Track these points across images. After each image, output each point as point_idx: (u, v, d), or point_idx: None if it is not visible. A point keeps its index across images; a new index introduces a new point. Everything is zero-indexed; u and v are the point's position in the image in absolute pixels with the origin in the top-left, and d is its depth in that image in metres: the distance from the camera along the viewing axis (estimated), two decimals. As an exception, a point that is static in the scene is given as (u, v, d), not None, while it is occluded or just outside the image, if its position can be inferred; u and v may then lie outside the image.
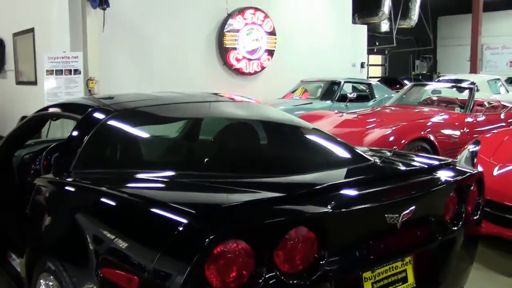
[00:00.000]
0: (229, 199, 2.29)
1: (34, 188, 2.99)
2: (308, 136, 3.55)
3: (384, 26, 22.12)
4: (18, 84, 11.10)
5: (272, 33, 12.16)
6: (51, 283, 2.60)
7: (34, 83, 10.12)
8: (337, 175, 2.74)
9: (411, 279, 2.54)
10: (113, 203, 2.43)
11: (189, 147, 3.58)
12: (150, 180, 2.65)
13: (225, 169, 2.85)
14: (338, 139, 3.35)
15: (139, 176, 2.72)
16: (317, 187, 2.39)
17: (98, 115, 3.08)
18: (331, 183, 2.43)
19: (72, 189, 2.75)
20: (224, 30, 11.36)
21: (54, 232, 2.68)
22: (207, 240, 1.87)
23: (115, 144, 3.07)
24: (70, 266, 2.44)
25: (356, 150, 3.14)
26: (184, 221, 1.99)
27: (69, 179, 2.79)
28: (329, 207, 2.17)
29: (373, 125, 7.17)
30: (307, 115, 8.31)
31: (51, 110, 3.57)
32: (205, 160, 3.16)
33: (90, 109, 3.13)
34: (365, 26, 16.10)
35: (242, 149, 3.15)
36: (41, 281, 2.70)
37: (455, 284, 2.86)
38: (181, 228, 1.98)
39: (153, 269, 1.96)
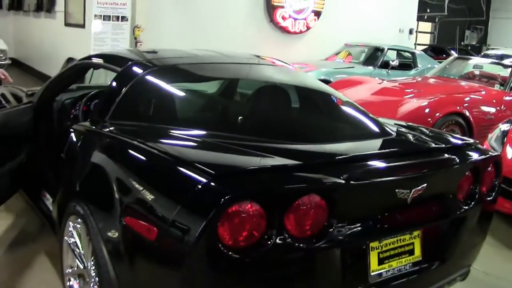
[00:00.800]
0: (249, 162, 2.42)
1: (70, 134, 3.18)
2: (336, 107, 3.66)
3: (436, -6, 21.63)
4: (67, 26, 11.31)
5: (321, -7, 12.08)
6: (78, 226, 2.81)
7: (82, 26, 10.31)
8: (356, 147, 2.85)
9: (417, 252, 2.65)
10: (142, 157, 2.58)
11: (221, 108, 3.72)
12: (179, 138, 2.79)
13: (253, 133, 2.99)
14: (365, 111, 3.43)
15: (170, 132, 2.84)
16: (333, 158, 2.51)
17: (137, 69, 3.22)
18: (348, 155, 2.55)
19: (105, 139, 2.92)
20: (273, -13, 11.32)
21: (85, 178, 2.86)
22: (223, 199, 2.02)
23: (150, 99, 3.22)
24: (96, 211, 2.62)
25: (380, 123, 3.23)
26: (205, 180, 2.14)
27: (104, 129, 2.96)
28: (343, 178, 2.28)
29: (411, 95, 7.16)
30: (347, 80, 8.35)
31: (94, 60, 3.74)
32: (236, 121, 3.31)
33: (129, 63, 3.28)
34: (418, -8, 15.80)
35: (271, 114, 3.28)
36: (70, 223, 2.90)
37: (463, 261, 2.96)
38: (200, 186, 2.13)
39: (172, 221, 2.12)
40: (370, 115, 3.36)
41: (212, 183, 2.12)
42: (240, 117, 3.36)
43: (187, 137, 2.80)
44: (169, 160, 2.43)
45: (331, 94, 3.71)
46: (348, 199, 2.36)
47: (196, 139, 2.81)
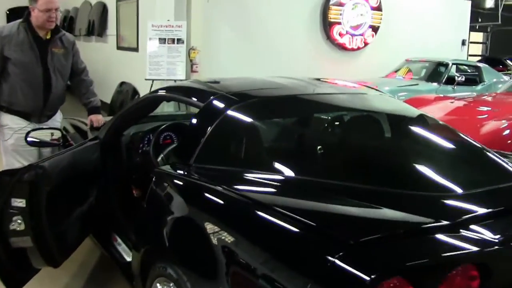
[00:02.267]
0: (384, 223, 2.01)
1: (152, 181, 2.82)
2: (448, 140, 3.10)
3: (489, 2, 20.88)
4: (119, 49, 11.15)
5: (378, 8, 11.57)
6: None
7: (135, 49, 10.10)
8: (499, 195, 2.39)
9: None
10: (252, 215, 2.18)
11: (325, 149, 3.11)
12: (287, 188, 2.40)
13: (370, 179, 2.48)
14: (481, 146, 2.96)
15: (273, 181, 2.46)
16: (481, 213, 2.06)
17: (223, 104, 2.86)
18: (499, 209, 2.10)
19: (197, 189, 2.54)
20: (330, 3, 10.89)
21: (177, 235, 2.48)
22: (369, 277, 1.62)
23: (241, 139, 2.83)
24: (194, 279, 2.25)
25: (505, 162, 2.77)
26: (341, 251, 1.74)
27: (192, 176, 2.59)
28: (500, 240, 1.85)
29: (486, 115, 6.63)
30: (415, 99, 7.86)
31: (166, 93, 3.37)
32: (348, 166, 2.74)
33: (212, 97, 2.91)
34: (469, 2, 15.17)
35: (387, 157, 2.84)
36: (158, 285, 2.54)
37: None
38: (337, 259, 1.72)
39: None
40: (489, 150, 2.91)
41: (351, 255, 1.72)
42: (346, 166, 2.79)
43: (295, 186, 2.40)
44: (289, 220, 2.00)
45: (437, 123, 3.25)
46: (506, 265, 1.91)
47: (306, 189, 2.39)
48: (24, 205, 2.95)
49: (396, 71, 10.98)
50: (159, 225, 2.59)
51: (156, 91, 3.43)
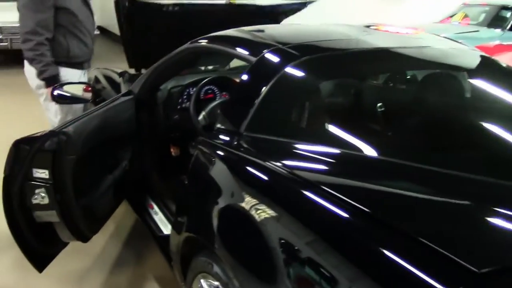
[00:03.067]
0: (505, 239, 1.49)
1: (194, 154, 2.37)
2: None
3: None
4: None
5: None
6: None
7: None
8: None
9: None
10: (331, 209, 1.63)
11: (411, 122, 2.47)
12: (370, 174, 1.88)
13: (469, 166, 1.92)
14: None
15: (354, 161, 1.96)
16: None
17: (279, 60, 2.36)
18: None
19: (254, 168, 2.01)
20: None
21: (226, 227, 1.99)
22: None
23: (304, 103, 2.32)
24: (247, 282, 1.81)
25: None
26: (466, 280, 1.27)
27: (246, 150, 2.12)
28: None
29: None
30: (482, 48, 7.16)
31: (209, 43, 2.87)
32: (445, 147, 2.15)
33: (266, 50, 2.42)
34: None
35: (487, 133, 2.27)
36: (202, 281, 2.12)
37: None
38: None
39: None
40: None
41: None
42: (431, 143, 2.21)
43: (379, 172, 1.89)
44: (375, 223, 1.52)
45: None
46: None
47: (396, 174, 1.87)
48: (47, 176, 2.55)
49: (451, 16, 10.21)
50: (204, 211, 2.13)
51: (197, 41, 2.94)
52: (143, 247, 3.58)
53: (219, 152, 2.20)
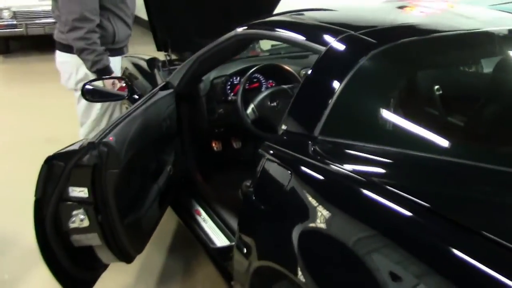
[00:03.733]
0: None
1: (260, 162, 1.99)
2: None
3: None
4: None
5: None
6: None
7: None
8: None
9: None
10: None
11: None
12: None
13: None
14: None
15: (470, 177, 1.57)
16: None
17: (354, 50, 1.96)
18: None
19: (344, 186, 1.64)
20: None
21: (313, 256, 1.63)
22: None
23: (389, 101, 1.91)
24: None
25: None
26: None
27: (327, 160, 1.72)
28: None
29: None
30: None
31: (262, 30, 2.45)
32: None
33: (336, 38, 2.01)
34: None
35: None
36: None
37: None
38: None
39: None
40: None
41: None
42: None
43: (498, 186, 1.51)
44: None
45: None
46: None
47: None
48: (86, 195, 2.19)
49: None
50: (281, 234, 1.76)
51: (247, 27, 2.54)
52: (191, 257, 3.24)
53: (296, 164, 1.82)
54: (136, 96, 3.31)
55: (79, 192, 2.17)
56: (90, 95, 2.95)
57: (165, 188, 2.80)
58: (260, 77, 3.32)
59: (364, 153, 1.72)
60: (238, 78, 3.29)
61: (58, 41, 3.43)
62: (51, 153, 2.12)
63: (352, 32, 2.01)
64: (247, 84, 3.17)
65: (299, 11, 2.57)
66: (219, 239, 2.75)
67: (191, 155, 3.21)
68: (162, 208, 2.86)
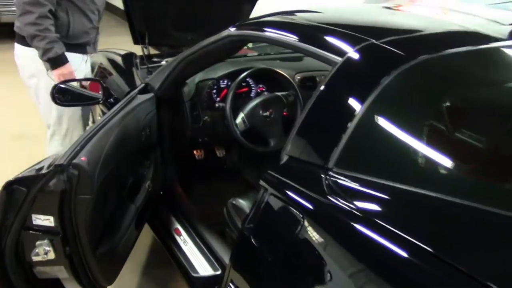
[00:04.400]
0: None
1: (262, 195, 1.66)
2: None
3: None
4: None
5: None
6: None
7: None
8: None
9: None
10: None
11: None
12: None
13: None
14: None
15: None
16: None
17: (380, 63, 1.66)
18: None
19: (362, 237, 1.33)
20: None
21: None
22: None
23: (422, 128, 1.59)
24: None
25: None
26: None
27: (345, 203, 1.40)
28: None
29: None
30: None
31: (262, 33, 2.08)
32: None
33: (355, 48, 1.69)
34: None
35: None
36: None
37: None
38: None
39: None
40: None
41: None
42: None
43: None
44: None
45: None
46: None
47: None
48: (53, 224, 1.85)
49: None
50: (289, 274, 1.47)
51: (243, 27, 2.21)
52: (167, 277, 2.91)
53: (309, 205, 1.50)
54: (112, 100, 2.96)
55: (44, 220, 1.82)
56: (61, 97, 2.59)
57: (144, 208, 2.46)
58: (250, 81, 3.01)
59: (392, 197, 1.41)
60: (225, 81, 2.96)
61: (16, 31, 3.12)
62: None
63: (373, 41, 1.70)
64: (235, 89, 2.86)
65: (301, 11, 2.24)
66: (202, 267, 2.43)
67: (171, 166, 2.88)
68: (138, 229, 2.53)
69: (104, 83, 2.78)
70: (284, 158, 1.68)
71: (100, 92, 2.68)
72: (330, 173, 1.51)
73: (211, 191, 3.14)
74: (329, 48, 1.77)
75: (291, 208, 1.53)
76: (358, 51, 1.67)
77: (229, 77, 2.94)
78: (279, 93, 2.83)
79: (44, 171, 1.79)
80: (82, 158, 1.83)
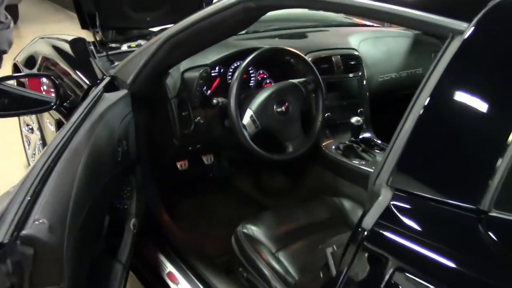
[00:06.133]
0: None
1: (354, 250, 0.98)
2: None
3: None
4: None
5: None
6: None
7: None
8: None
9: None
10: None
11: None
12: None
13: None
14: None
15: None
16: None
17: None
18: None
19: None
20: None
21: None
22: None
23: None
24: None
25: None
26: None
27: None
28: None
29: None
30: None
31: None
32: None
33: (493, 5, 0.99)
34: None
35: None
36: None
37: None
38: None
39: None
40: None
41: None
42: None
43: None
44: None
45: None
46: None
47: None
48: None
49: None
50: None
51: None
52: None
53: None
54: (67, 105, 2.15)
55: None
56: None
57: (131, 259, 1.72)
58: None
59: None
60: (217, 68, 2.23)
61: None
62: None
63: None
64: (229, 77, 2.15)
65: None
66: None
67: (152, 187, 2.14)
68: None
69: (56, 79, 1.98)
70: (386, 193, 0.99)
71: (52, 94, 1.89)
72: (486, 218, 0.90)
73: (203, 210, 2.48)
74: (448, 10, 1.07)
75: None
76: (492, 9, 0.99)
77: (221, 63, 2.21)
78: (294, 80, 2.13)
79: None
80: (39, 221, 1.06)
